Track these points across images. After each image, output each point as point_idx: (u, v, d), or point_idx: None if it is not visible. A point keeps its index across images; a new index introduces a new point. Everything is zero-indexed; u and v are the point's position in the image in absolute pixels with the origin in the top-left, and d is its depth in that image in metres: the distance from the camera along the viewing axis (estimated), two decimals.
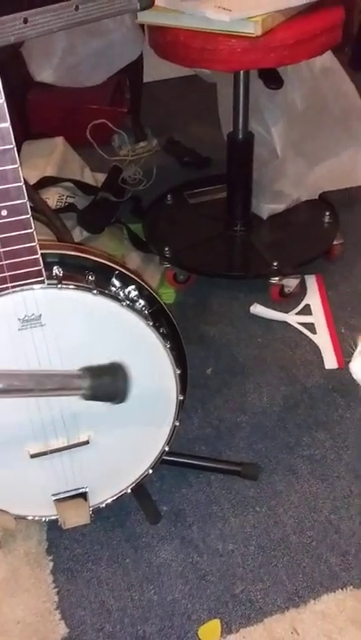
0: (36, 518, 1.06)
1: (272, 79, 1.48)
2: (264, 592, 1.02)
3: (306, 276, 1.60)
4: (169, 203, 1.79)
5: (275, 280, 1.53)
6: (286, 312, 1.53)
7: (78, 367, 0.87)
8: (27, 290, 0.82)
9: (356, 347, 0.98)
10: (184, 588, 1.03)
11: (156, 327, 0.91)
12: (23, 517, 1.05)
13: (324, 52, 1.38)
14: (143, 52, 1.91)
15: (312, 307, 1.54)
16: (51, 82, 1.88)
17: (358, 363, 0.98)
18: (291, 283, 1.55)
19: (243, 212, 1.67)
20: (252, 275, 1.64)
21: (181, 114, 2.38)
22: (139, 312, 0.89)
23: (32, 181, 1.62)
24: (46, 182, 1.67)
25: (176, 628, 0.99)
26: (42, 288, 0.83)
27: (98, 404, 0.89)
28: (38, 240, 0.80)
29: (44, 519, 1.06)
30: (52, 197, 1.65)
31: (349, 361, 0.99)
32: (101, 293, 0.86)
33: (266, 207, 1.69)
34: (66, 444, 0.96)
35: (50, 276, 0.83)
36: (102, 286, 0.88)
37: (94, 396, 0.87)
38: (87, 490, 1.03)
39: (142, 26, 1.68)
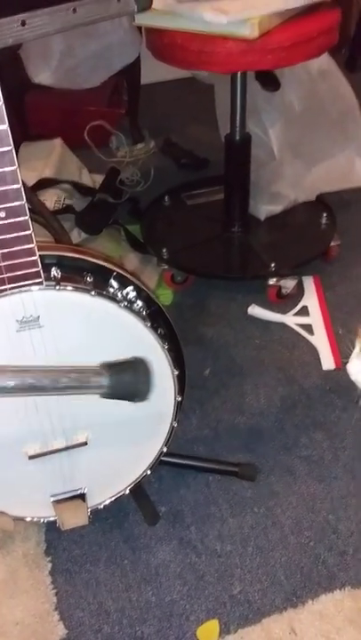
0: (35, 519, 1.06)
1: (269, 81, 1.49)
2: (262, 592, 1.02)
3: (303, 278, 1.61)
4: (166, 204, 1.80)
5: (272, 281, 1.54)
6: (284, 313, 1.53)
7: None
8: (25, 291, 0.82)
9: (353, 348, 0.98)
10: (182, 589, 1.04)
11: (154, 328, 0.91)
12: (22, 519, 1.05)
13: (321, 54, 1.38)
14: (141, 54, 1.92)
15: (310, 308, 1.54)
16: (48, 84, 1.88)
17: (355, 364, 0.98)
18: (288, 284, 1.55)
19: (240, 213, 1.67)
20: (249, 276, 1.64)
21: (179, 115, 2.38)
22: (137, 313, 0.89)
23: (30, 183, 1.62)
24: (44, 184, 1.67)
25: (174, 629, 0.99)
26: (40, 289, 0.83)
27: (97, 404, 0.89)
28: (36, 241, 0.80)
29: (42, 520, 1.06)
30: (50, 199, 1.65)
31: (347, 362, 0.99)
32: (99, 294, 0.86)
33: (263, 208, 1.69)
34: (64, 445, 0.96)
35: (48, 278, 0.83)
36: (100, 287, 0.88)
37: (114, 394, 0.84)
38: (85, 491, 1.03)
39: (140, 28, 1.69)
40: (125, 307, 0.88)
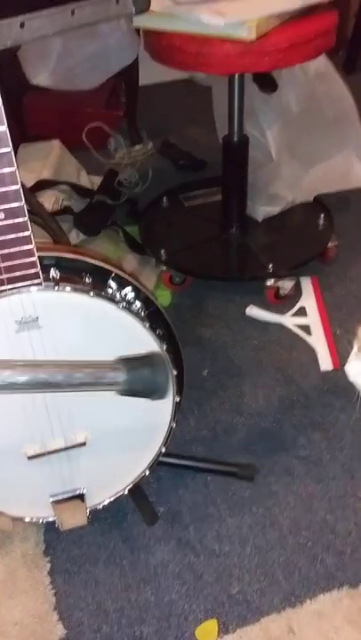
0: (34, 520, 1.06)
1: (266, 83, 1.50)
2: (260, 592, 1.03)
3: (301, 278, 1.61)
4: (165, 205, 1.80)
5: (270, 282, 1.54)
6: (282, 314, 1.54)
7: None
8: (24, 292, 0.82)
9: (351, 348, 0.99)
10: (181, 589, 1.04)
11: (153, 329, 0.91)
12: (20, 519, 1.05)
13: (318, 56, 1.39)
14: (139, 55, 1.92)
15: (307, 308, 1.55)
16: (47, 85, 1.89)
17: (354, 364, 0.98)
18: (286, 285, 1.55)
19: (238, 214, 1.68)
20: (247, 277, 1.65)
21: (177, 117, 2.39)
22: (135, 314, 0.90)
23: (28, 184, 1.62)
24: (43, 185, 1.67)
25: (173, 629, 0.99)
26: (39, 290, 0.83)
27: (97, 404, 0.89)
28: (35, 242, 0.80)
29: (41, 521, 1.07)
30: (49, 200, 1.65)
31: (345, 363, 1.00)
32: (98, 295, 0.87)
33: (261, 210, 1.70)
34: (63, 446, 0.96)
35: (47, 279, 0.84)
36: (99, 288, 0.88)
37: (131, 391, 0.80)
38: (84, 491, 1.03)
39: (138, 30, 1.69)
40: (124, 307, 0.88)
